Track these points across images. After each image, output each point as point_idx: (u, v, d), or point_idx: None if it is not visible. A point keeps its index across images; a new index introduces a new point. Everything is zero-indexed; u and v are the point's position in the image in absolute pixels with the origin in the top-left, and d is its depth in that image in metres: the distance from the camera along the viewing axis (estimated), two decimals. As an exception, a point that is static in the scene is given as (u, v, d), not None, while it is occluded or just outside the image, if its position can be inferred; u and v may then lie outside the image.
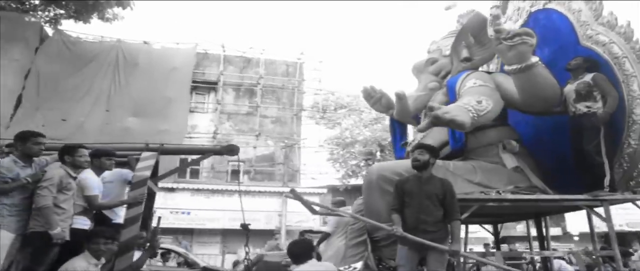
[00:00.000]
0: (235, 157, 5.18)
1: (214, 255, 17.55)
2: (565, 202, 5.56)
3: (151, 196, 5.87)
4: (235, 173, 19.38)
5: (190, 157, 6.24)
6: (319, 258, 6.51)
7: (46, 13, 15.88)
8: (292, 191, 4.91)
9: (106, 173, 5.32)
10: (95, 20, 16.05)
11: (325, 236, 6.93)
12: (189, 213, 18.20)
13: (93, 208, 4.62)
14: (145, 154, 5.15)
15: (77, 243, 4.33)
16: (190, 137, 18.68)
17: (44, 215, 4.11)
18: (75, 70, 16.75)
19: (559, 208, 6.30)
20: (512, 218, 7.88)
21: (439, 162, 5.62)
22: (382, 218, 5.12)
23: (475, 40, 6.40)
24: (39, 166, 4.49)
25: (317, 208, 4.93)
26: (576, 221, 18.83)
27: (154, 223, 6.03)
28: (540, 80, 5.42)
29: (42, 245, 4.13)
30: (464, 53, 6.31)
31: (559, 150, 6.06)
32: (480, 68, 6.69)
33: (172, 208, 18.33)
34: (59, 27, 16.49)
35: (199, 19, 57.65)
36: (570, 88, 5.70)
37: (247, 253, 5.47)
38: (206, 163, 19.64)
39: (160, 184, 16.55)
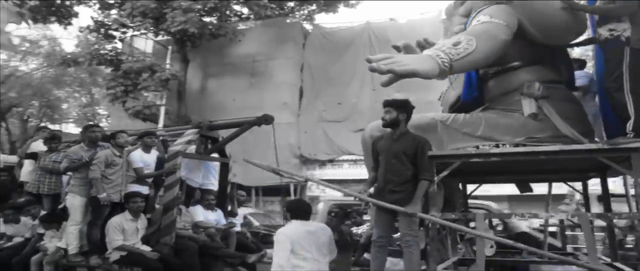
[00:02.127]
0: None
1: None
2: (574, 153, 4.40)
3: (224, 166, 7.18)
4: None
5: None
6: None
7: (301, 12, 19.02)
8: (245, 159, 5.44)
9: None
10: (341, 8, 18.33)
11: None
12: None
13: (140, 178, 6.08)
14: (188, 131, 6.51)
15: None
16: (455, 105, 18.85)
17: (93, 184, 5.83)
18: (337, 57, 18.88)
19: (583, 163, 4.91)
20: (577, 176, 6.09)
21: (437, 116, 5.28)
22: None
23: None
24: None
25: (283, 173, 5.28)
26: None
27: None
28: (542, 6, 4.69)
29: (97, 205, 5.87)
30: None
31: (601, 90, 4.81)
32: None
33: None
34: (315, 22, 19.45)
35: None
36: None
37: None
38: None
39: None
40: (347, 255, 5.66)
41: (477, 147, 4.92)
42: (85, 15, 25.25)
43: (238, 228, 7.12)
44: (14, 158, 7.77)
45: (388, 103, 4.89)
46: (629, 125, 4.21)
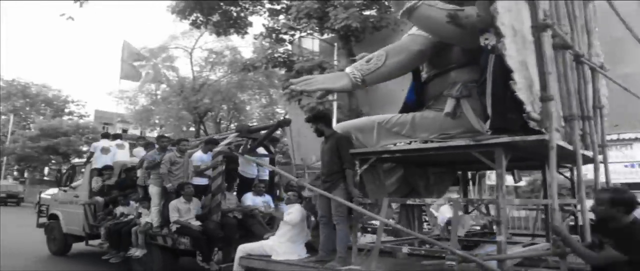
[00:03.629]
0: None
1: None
2: (451, 149, 5.23)
3: (272, 160, 9.01)
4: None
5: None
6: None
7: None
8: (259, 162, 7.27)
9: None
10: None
11: None
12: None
13: (198, 174, 8.31)
14: (230, 135, 8.51)
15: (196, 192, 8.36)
16: None
17: (162, 178, 8.33)
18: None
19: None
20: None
21: (377, 118, 6.36)
22: None
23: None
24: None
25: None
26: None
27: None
28: (431, 22, 5.45)
29: (165, 193, 8.40)
30: None
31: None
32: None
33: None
34: (481, 2, 19.49)
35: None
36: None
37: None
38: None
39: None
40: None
41: (395, 144, 5.95)
42: (258, 24, 29.45)
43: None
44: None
45: (306, 120, 6.37)
46: (487, 124, 4.92)
